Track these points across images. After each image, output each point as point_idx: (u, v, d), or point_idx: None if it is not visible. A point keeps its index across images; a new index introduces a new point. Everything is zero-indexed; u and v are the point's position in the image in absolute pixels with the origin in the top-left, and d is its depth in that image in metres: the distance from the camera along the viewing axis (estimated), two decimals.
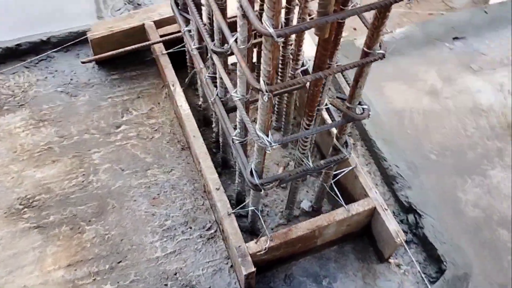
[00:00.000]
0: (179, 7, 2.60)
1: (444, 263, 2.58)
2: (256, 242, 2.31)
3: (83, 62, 2.89)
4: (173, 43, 2.87)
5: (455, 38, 3.49)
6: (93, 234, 2.61)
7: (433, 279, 2.58)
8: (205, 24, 2.12)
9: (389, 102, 3.19)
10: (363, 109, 1.95)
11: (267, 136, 1.83)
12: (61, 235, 2.60)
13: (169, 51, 2.84)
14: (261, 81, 1.60)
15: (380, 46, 1.66)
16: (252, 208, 2.37)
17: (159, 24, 2.99)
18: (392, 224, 2.40)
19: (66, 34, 3.17)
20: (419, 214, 2.72)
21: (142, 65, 3.18)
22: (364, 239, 2.69)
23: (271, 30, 1.36)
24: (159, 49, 2.86)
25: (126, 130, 2.95)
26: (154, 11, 3.02)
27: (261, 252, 2.29)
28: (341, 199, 2.43)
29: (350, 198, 2.56)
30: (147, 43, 2.80)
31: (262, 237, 2.32)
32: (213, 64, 2.30)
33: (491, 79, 3.38)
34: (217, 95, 2.29)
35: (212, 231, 2.66)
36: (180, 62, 2.91)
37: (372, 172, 2.91)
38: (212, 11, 2.03)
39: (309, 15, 2.10)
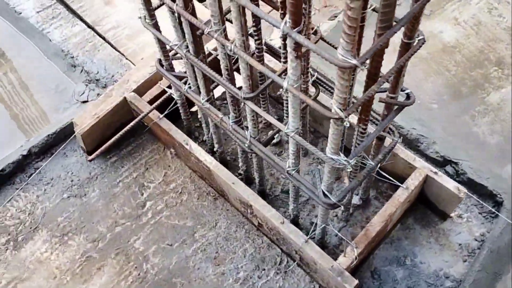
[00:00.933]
0: (164, 68, 2.53)
1: (498, 195, 2.72)
2: (344, 255, 2.33)
3: (90, 160, 2.73)
4: (165, 104, 2.79)
5: None
6: None
7: (494, 214, 2.72)
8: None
9: None
10: (406, 94, 2.00)
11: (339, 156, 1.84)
12: None
13: (166, 112, 2.75)
14: (335, 109, 1.60)
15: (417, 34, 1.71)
16: (323, 225, 2.38)
17: (138, 90, 2.89)
18: (450, 183, 2.49)
19: (44, 139, 2.98)
20: (455, 163, 2.84)
21: (133, 137, 3.06)
22: (418, 206, 2.77)
23: (354, 61, 1.37)
24: (154, 115, 2.77)
25: (152, 205, 2.83)
26: (127, 81, 2.91)
27: (354, 262, 2.31)
28: (395, 181, 2.50)
29: (394, 176, 2.62)
30: (142, 115, 2.69)
31: (347, 247, 2.34)
32: (235, 110, 2.26)
33: (444, 17, 3.58)
34: (251, 136, 2.26)
35: (285, 263, 2.64)
36: None
37: None
38: (230, 64, 2.00)
39: (313, 30, 2.12)
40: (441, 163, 2.88)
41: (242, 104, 2.08)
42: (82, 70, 3.33)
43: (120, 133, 2.67)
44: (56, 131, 3.00)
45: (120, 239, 2.74)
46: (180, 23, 2.09)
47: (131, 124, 2.68)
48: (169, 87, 2.80)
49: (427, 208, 2.75)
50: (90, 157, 2.60)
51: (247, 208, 2.61)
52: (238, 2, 1.55)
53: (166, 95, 2.75)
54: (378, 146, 2.31)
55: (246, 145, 2.29)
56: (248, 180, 2.82)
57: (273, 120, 1.97)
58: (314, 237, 2.56)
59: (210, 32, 1.82)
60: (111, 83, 3.30)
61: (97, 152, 2.63)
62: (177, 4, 1.90)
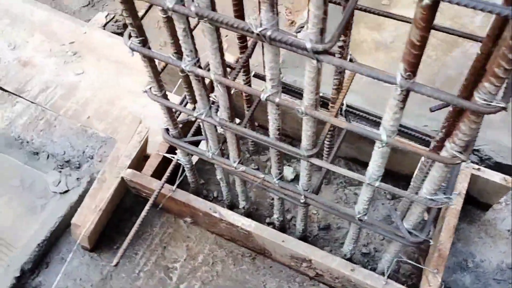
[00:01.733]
0: (172, 135, 2.18)
1: None
2: (429, 285, 2.17)
3: (115, 265, 2.30)
4: (174, 173, 2.43)
5: None
6: None
7: None
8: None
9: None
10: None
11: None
12: None
13: (178, 182, 2.40)
14: (454, 153, 1.41)
15: None
16: (396, 259, 2.20)
17: (133, 165, 2.50)
18: (495, 176, 2.41)
19: (35, 250, 2.48)
20: (476, 150, 2.79)
21: (134, 216, 2.66)
22: None
23: (502, 104, 1.18)
24: (165, 189, 2.40)
25: (188, 287, 2.48)
26: (117, 158, 2.50)
27: None
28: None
29: None
30: (155, 194, 2.31)
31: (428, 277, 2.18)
32: (280, 166, 2.00)
33: (404, 5, 3.52)
34: (305, 190, 2.00)
35: None
36: None
37: None
38: (280, 123, 1.72)
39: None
40: None
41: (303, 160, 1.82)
42: (48, 156, 2.84)
43: (138, 221, 2.27)
44: (46, 237, 2.52)
45: None
46: (206, 89, 1.78)
47: (146, 208, 2.29)
48: (172, 152, 2.46)
49: (466, 203, 2.67)
50: (114, 262, 2.19)
51: (300, 262, 2.35)
52: (326, 61, 1.29)
53: (173, 162, 2.40)
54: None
55: (302, 201, 2.04)
56: (282, 228, 2.56)
57: (353, 175, 1.74)
58: (383, 273, 2.38)
59: (268, 98, 1.54)
60: (84, 161, 2.86)
61: (118, 255, 2.21)
62: (215, 73, 1.59)
